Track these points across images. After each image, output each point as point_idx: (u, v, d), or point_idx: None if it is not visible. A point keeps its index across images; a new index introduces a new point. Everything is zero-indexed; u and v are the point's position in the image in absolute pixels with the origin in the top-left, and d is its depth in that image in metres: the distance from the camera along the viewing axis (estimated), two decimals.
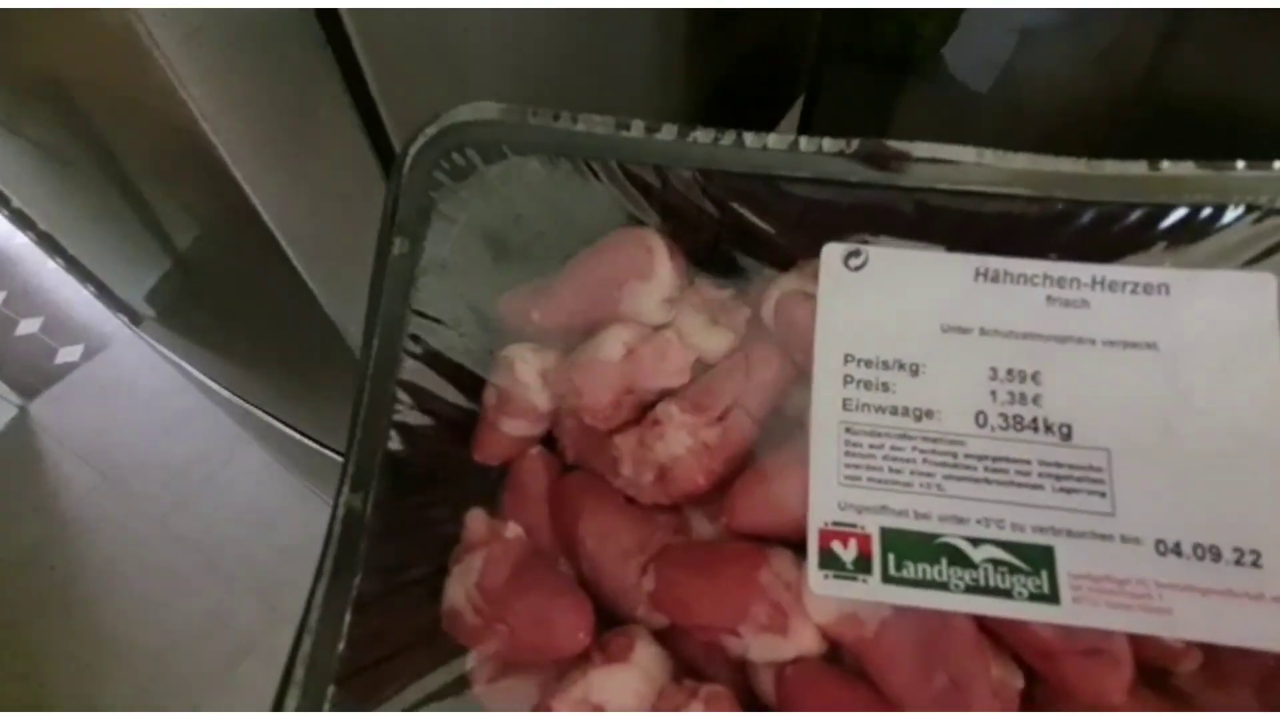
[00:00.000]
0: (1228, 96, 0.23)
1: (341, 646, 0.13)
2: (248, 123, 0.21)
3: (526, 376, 0.16)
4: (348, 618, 0.14)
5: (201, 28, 0.18)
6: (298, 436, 0.54)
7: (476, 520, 0.16)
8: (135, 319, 0.51)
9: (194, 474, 1.16)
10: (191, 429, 1.18)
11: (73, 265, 0.47)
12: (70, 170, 0.33)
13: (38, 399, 1.22)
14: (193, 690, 0.97)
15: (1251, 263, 0.14)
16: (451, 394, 0.16)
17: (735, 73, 0.43)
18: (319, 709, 0.13)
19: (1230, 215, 0.14)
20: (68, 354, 1.26)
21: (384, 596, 0.14)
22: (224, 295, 0.39)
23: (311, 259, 0.26)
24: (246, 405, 0.52)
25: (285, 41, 0.20)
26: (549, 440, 0.17)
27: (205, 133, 0.20)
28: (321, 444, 0.54)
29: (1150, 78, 0.25)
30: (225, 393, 0.53)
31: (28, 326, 1.29)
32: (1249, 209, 0.14)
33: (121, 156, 0.29)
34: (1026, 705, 0.13)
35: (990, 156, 0.15)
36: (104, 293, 0.49)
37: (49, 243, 0.45)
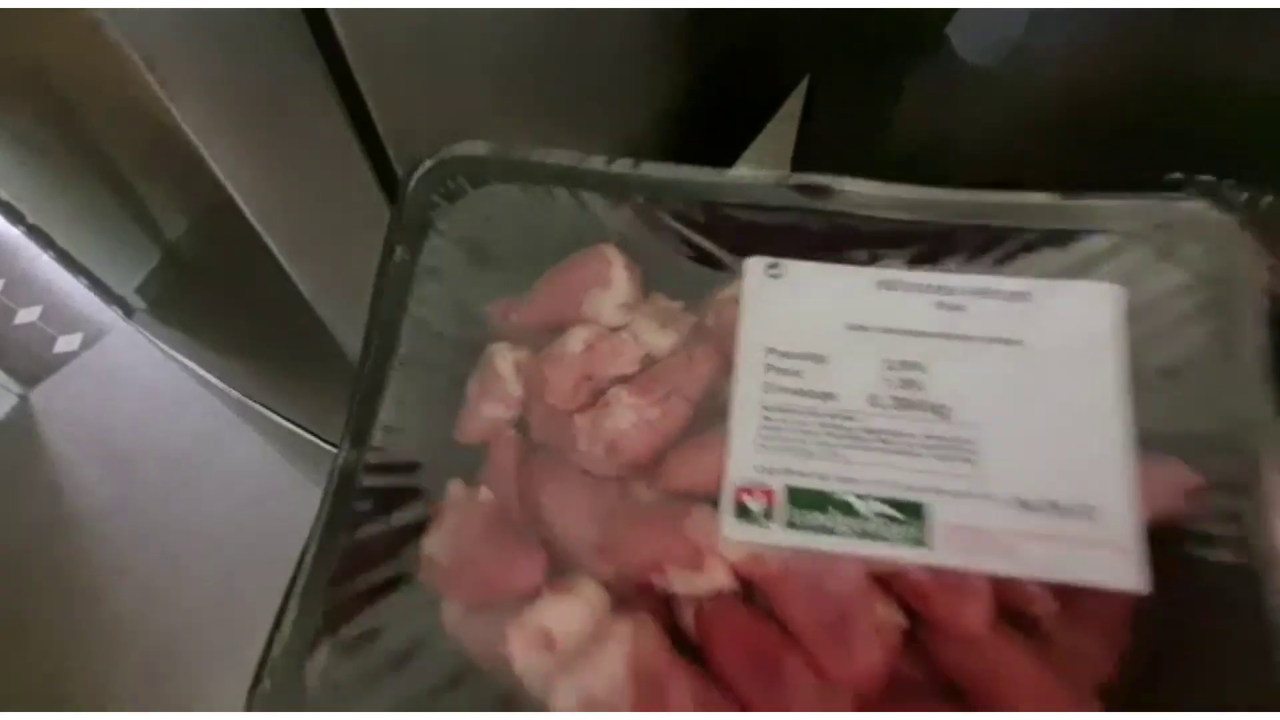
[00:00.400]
0: (1238, 80, 0.22)
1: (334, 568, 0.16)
2: (226, 119, 0.21)
3: (504, 369, 0.19)
4: (338, 557, 0.16)
5: (176, 25, 0.18)
6: (290, 426, 0.55)
7: (456, 487, 0.18)
8: (128, 311, 0.51)
9: (194, 460, 1.15)
10: (191, 416, 1.17)
11: (63, 258, 0.46)
12: (52, 162, 0.33)
13: (38, 387, 1.22)
14: (202, 670, 0.97)
15: (1098, 276, 0.17)
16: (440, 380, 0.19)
17: (727, 62, 0.44)
18: (313, 632, 0.16)
19: (1086, 237, 0.17)
20: (66, 343, 1.25)
21: (372, 542, 0.17)
22: (213, 288, 0.39)
23: (295, 255, 0.27)
24: (239, 396, 0.53)
25: (265, 36, 0.20)
26: (521, 425, 0.20)
27: (182, 129, 0.20)
28: (312, 433, 0.56)
29: (1161, 66, 0.24)
30: (219, 383, 0.54)
31: (26, 315, 1.29)
32: (1102, 232, 0.17)
33: (105, 149, 0.28)
34: (910, 644, 0.15)
35: (895, 189, 0.18)
36: (96, 285, 0.49)
37: (39, 236, 0.44)
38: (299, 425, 0.56)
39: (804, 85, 0.41)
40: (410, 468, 0.18)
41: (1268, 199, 0.16)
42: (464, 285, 0.19)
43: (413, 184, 0.19)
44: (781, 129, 0.47)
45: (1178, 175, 0.17)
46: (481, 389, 0.19)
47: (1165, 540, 0.15)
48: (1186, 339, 0.16)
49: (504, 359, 0.19)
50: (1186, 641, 0.15)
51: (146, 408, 1.23)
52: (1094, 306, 0.17)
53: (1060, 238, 0.17)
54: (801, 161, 0.40)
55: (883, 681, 0.15)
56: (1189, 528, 0.15)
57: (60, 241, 0.44)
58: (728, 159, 0.48)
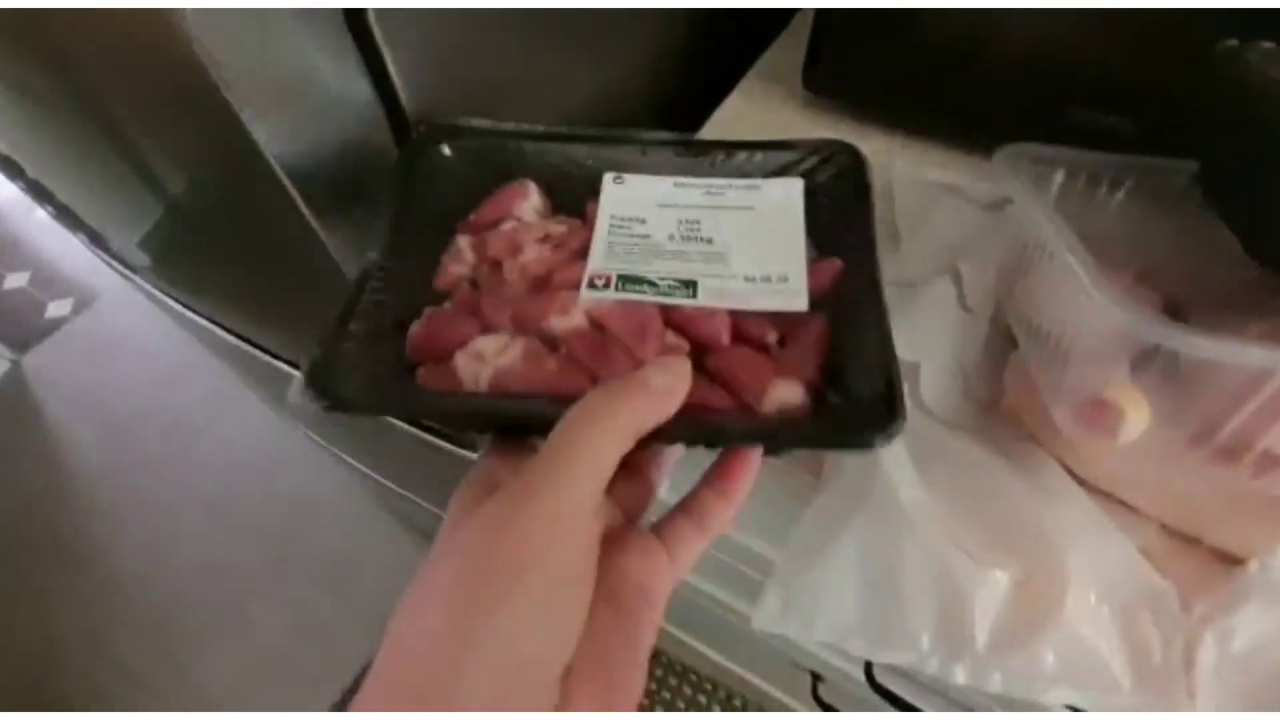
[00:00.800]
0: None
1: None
2: (256, 68, 0.23)
3: (464, 246, 0.31)
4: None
5: None
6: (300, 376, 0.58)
7: (431, 309, 0.30)
8: (130, 267, 0.49)
9: (193, 423, 1.13)
10: (189, 380, 1.15)
11: (63, 213, 0.44)
12: (55, 114, 0.32)
13: (30, 353, 1.19)
14: (202, 632, 0.96)
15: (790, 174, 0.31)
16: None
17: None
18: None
19: (786, 157, 0.32)
20: (58, 308, 1.21)
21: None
22: (220, 240, 0.38)
23: (315, 200, 0.29)
24: (248, 348, 0.52)
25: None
26: (472, 281, 0.32)
27: (213, 78, 0.22)
28: None
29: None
30: (227, 336, 0.52)
31: (15, 280, 1.25)
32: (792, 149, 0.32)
33: (109, 101, 0.28)
34: (697, 369, 0.27)
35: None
36: (96, 241, 0.46)
37: (38, 190, 0.42)
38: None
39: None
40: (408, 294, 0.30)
41: None
42: (443, 200, 0.32)
43: (414, 136, 0.32)
44: (793, 41, 0.55)
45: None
46: (450, 259, 0.31)
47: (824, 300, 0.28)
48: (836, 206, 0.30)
49: (465, 241, 0.32)
50: (845, 347, 0.27)
51: (141, 373, 1.19)
52: (789, 189, 0.31)
53: (771, 148, 0.32)
54: (812, 79, 0.49)
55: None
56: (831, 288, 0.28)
57: (60, 196, 0.42)
58: (741, 69, 0.55)
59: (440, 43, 0.32)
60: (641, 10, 0.45)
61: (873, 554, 0.27)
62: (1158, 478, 0.24)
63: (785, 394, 0.25)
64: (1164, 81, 0.35)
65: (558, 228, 0.32)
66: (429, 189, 0.32)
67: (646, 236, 0.30)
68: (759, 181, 0.31)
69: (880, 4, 0.41)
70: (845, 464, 0.28)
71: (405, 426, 0.55)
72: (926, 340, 0.29)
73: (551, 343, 0.27)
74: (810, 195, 0.30)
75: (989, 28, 0.39)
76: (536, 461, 0.20)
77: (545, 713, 0.19)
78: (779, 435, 0.24)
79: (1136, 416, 0.22)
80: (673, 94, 0.54)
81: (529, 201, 0.32)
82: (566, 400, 0.22)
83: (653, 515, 0.25)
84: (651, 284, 0.28)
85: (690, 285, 0.28)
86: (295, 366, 0.51)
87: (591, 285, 0.28)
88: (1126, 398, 0.22)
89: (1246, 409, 0.21)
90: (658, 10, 0.48)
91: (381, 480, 0.87)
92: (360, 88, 0.30)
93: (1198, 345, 0.20)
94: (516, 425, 0.25)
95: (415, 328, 0.28)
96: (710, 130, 0.50)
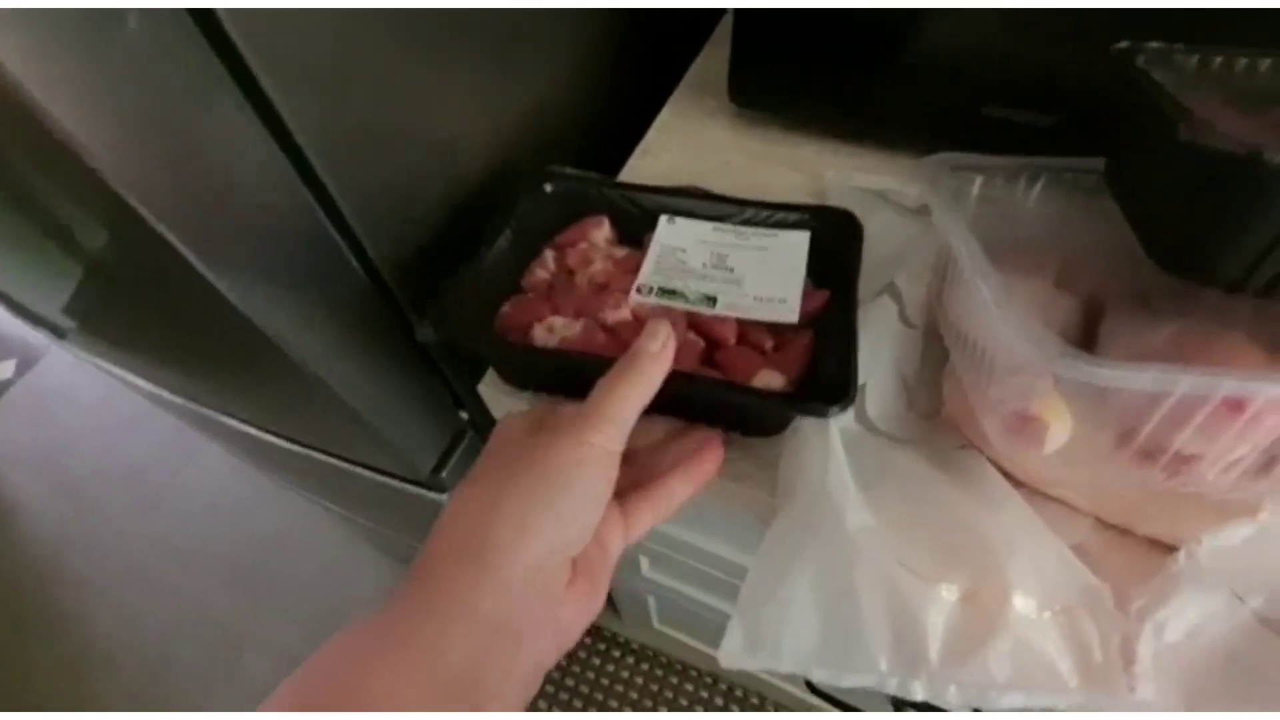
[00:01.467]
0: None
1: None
2: (119, 126, 0.22)
3: (548, 257, 0.41)
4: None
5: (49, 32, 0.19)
6: (251, 430, 0.54)
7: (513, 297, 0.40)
8: (58, 333, 0.47)
9: (154, 476, 1.08)
10: (143, 432, 1.10)
11: None
12: None
13: None
14: (195, 689, 0.93)
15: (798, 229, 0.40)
16: None
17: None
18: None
19: (795, 211, 0.40)
20: (1, 370, 1.16)
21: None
22: (141, 299, 0.38)
23: (209, 256, 0.27)
24: (190, 405, 0.52)
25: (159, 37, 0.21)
26: (551, 284, 0.41)
27: (70, 138, 0.20)
28: (270, 432, 0.54)
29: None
30: (167, 394, 0.53)
31: None
32: (800, 210, 0.40)
33: (9, 164, 0.27)
34: (703, 360, 0.35)
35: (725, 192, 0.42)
36: (19, 310, 0.45)
37: None
38: (259, 427, 0.55)
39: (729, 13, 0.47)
40: (502, 287, 0.40)
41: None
42: (540, 223, 0.42)
43: (524, 176, 0.43)
44: (717, 52, 0.55)
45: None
46: (538, 264, 0.41)
47: (813, 321, 0.35)
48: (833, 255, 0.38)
49: (550, 254, 0.42)
50: (822, 357, 0.34)
51: (95, 428, 1.15)
52: (798, 239, 0.39)
53: (790, 209, 0.40)
54: (737, 89, 0.51)
55: (691, 363, 0.35)
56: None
57: None
58: (667, 85, 0.56)
59: (335, 79, 0.31)
60: (558, 32, 0.46)
61: (827, 583, 0.28)
62: (1087, 479, 0.28)
63: (769, 380, 0.33)
64: (1071, 79, 0.38)
65: (620, 252, 0.41)
66: (532, 214, 0.42)
67: (684, 263, 0.39)
68: (777, 231, 0.40)
69: (796, 3, 0.42)
70: (796, 489, 0.31)
71: (367, 472, 0.58)
72: (871, 359, 0.33)
73: (606, 328, 0.36)
74: (814, 245, 0.39)
75: (905, 32, 0.41)
76: (582, 408, 0.28)
77: (532, 714, 0.27)
78: (758, 401, 0.31)
79: (1060, 427, 0.26)
80: (606, 111, 0.56)
81: (602, 231, 0.42)
82: (609, 362, 0.30)
83: None
84: (683, 295, 0.37)
85: (711, 299, 0.36)
86: (249, 423, 0.55)
87: (638, 291, 0.37)
88: (1050, 410, 0.26)
89: (1154, 418, 0.24)
90: (576, 30, 0.49)
91: (354, 518, 0.88)
92: (254, 143, 0.29)
93: (1093, 374, 0.23)
94: (571, 374, 0.33)
95: (506, 307, 0.38)
96: (644, 149, 0.52)
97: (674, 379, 0.33)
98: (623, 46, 0.57)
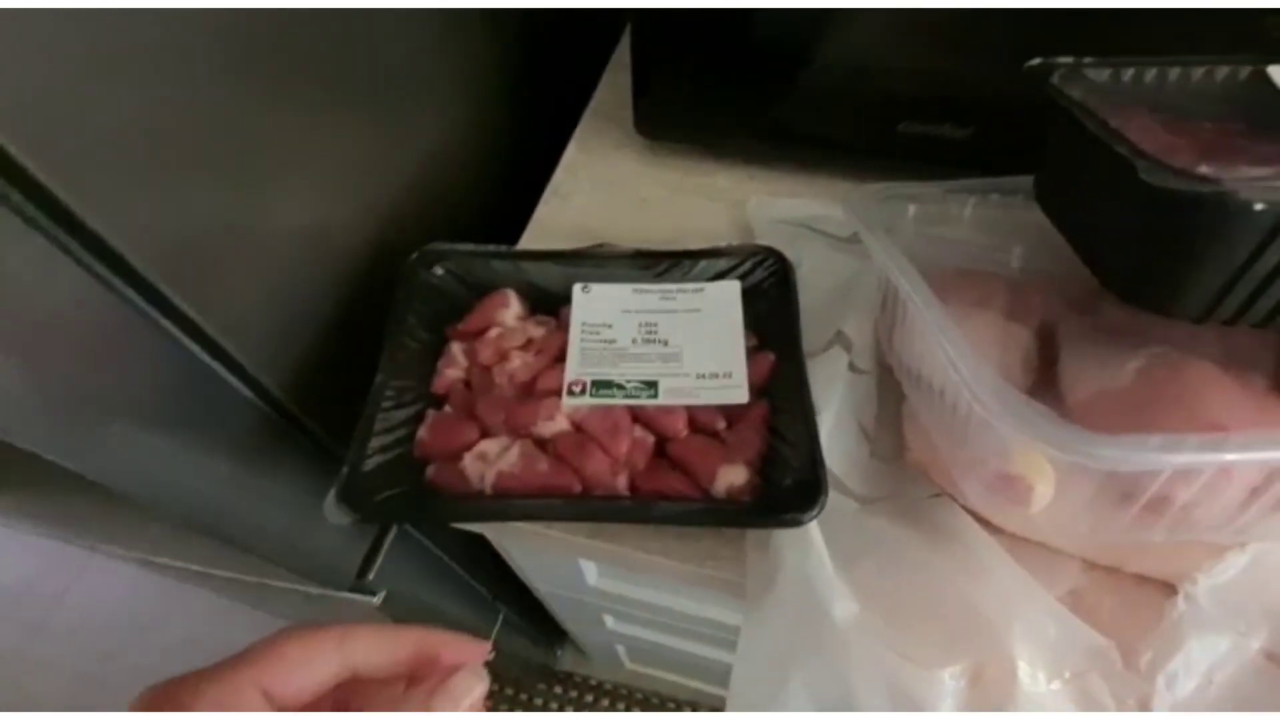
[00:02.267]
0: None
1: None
2: None
3: (457, 352, 0.36)
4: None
5: None
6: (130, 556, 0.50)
7: (432, 412, 0.35)
8: None
9: (41, 594, 0.98)
10: (24, 550, 1.00)
11: None
12: None
13: None
14: None
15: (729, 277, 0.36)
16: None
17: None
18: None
19: (725, 263, 0.37)
20: None
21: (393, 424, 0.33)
22: None
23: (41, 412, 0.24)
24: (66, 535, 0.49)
25: None
26: (465, 382, 0.36)
27: None
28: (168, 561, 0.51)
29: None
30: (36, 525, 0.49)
31: None
32: (726, 255, 0.37)
33: None
34: (656, 454, 0.32)
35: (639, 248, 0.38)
36: None
37: None
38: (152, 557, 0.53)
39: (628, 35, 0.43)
40: (411, 400, 0.35)
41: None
42: (436, 314, 0.37)
43: (409, 264, 0.37)
44: (618, 78, 0.50)
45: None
46: (446, 364, 0.36)
47: (764, 389, 0.32)
48: (768, 301, 0.35)
49: (457, 347, 0.37)
50: (780, 430, 0.32)
51: None
52: (728, 291, 0.36)
53: (714, 255, 0.37)
54: (641, 119, 0.47)
55: (644, 461, 0.31)
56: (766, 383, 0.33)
57: None
58: (574, 111, 0.52)
59: (156, 176, 0.26)
60: (437, 78, 0.42)
61: (824, 692, 0.27)
62: (1072, 530, 0.28)
63: (732, 476, 0.30)
64: (980, 92, 0.37)
65: (537, 330, 0.37)
66: (424, 306, 0.37)
67: (613, 341, 0.35)
68: (704, 285, 0.36)
69: (699, 3, 0.38)
70: (773, 577, 0.29)
71: (286, 584, 0.52)
72: (827, 413, 0.31)
73: (542, 443, 0.32)
74: (746, 293, 0.35)
75: (809, 52, 0.39)
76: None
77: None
78: (728, 515, 0.28)
79: (1045, 485, 0.25)
80: (506, 156, 0.52)
81: (510, 309, 0.37)
82: (559, 496, 0.27)
83: None
84: (620, 387, 0.33)
85: (652, 385, 0.33)
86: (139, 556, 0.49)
87: (570, 392, 0.33)
88: (1032, 467, 0.24)
89: (1156, 483, 0.22)
90: (459, 73, 0.45)
91: (280, 617, 0.80)
92: (68, 273, 0.24)
93: (1093, 456, 0.21)
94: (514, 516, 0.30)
95: (422, 433, 0.33)
96: (553, 191, 0.48)
97: (631, 504, 0.30)
98: (516, 82, 0.51)
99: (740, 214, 0.44)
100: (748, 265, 0.36)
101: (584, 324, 0.35)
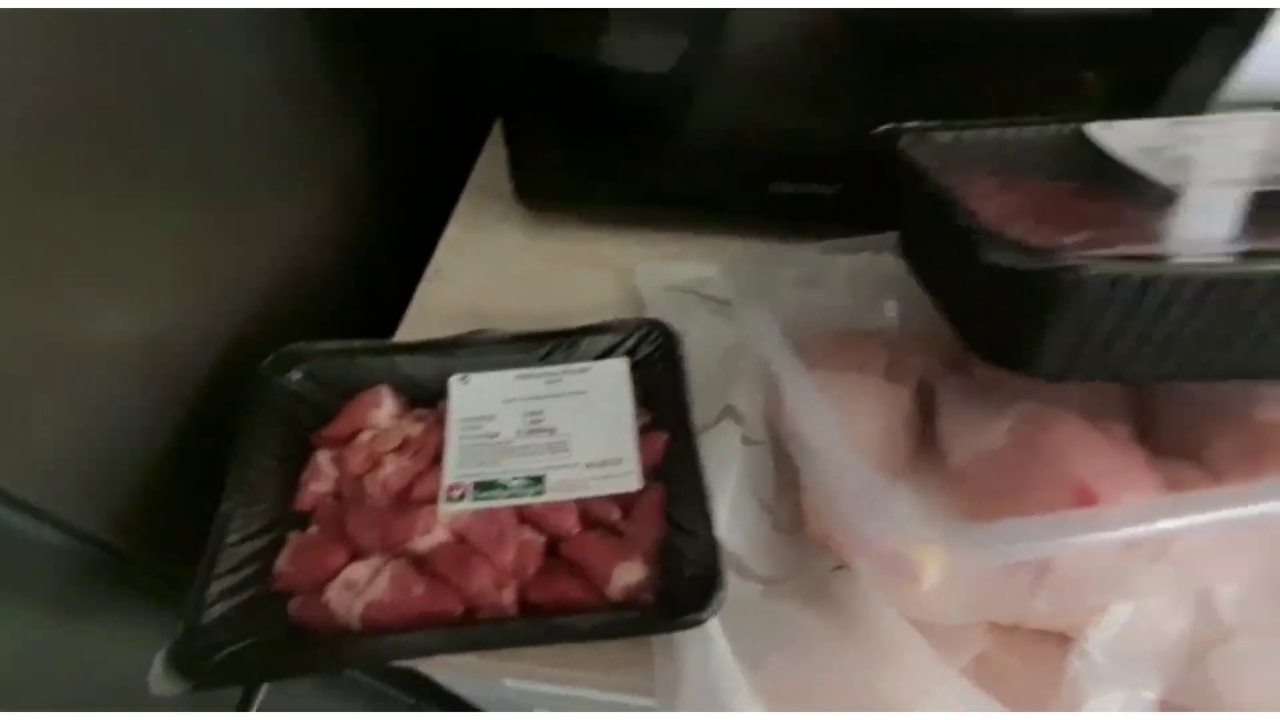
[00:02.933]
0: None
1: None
2: None
3: (324, 463, 0.33)
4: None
5: None
6: None
7: (295, 535, 0.31)
8: None
9: None
10: None
11: None
12: None
13: None
14: None
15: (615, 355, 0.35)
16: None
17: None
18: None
19: (610, 340, 0.35)
20: None
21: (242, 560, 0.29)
22: None
23: None
24: None
25: None
26: (336, 494, 0.33)
27: None
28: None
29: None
30: None
31: None
32: (613, 331, 0.36)
33: None
34: (548, 555, 0.29)
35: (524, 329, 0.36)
36: None
37: None
38: None
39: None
40: (267, 527, 0.31)
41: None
42: (297, 424, 0.34)
43: (261, 371, 0.34)
44: (499, 151, 0.48)
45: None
46: (311, 477, 0.33)
47: (658, 470, 0.31)
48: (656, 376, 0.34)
49: (325, 456, 0.33)
50: (675, 516, 0.30)
51: None
52: (615, 369, 0.34)
53: (598, 331, 0.35)
54: (520, 190, 0.46)
55: (534, 566, 0.29)
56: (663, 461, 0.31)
57: None
58: (457, 188, 0.50)
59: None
60: (291, 171, 0.40)
61: None
62: (966, 605, 0.27)
63: (628, 575, 0.28)
64: (841, 151, 0.37)
65: (414, 428, 0.34)
66: (281, 416, 0.33)
67: (495, 435, 0.32)
68: (590, 364, 0.35)
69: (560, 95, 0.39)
70: (678, 687, 0.27)
71: None
72: (724, 493, 0.31)
73: (420, 561, 0.29)
74: (634, 369, 0.34)
75: (679, 117, 0.40)
76: None
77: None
78: (622, 625, 0.26)
79: (936, 565, 0.25)
80: (386, 234, 0.50)
81: (383, 409, 0.34)
82: (438, 624, 0.25)
83: None
84: (503, 486, 0.30)
85: (539, 481, 0.30)
86: None
87: (449, 498, 0.30)
88: (922, 549, 0.25)
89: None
90: (319, 163, 0.43)
91: None
92: None
93: (982, 557, 0.22)
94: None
95: (282, 563, 0.29)
96: (434, 271, 0.46)
97: (519, 625, 0.27)
98: (387, 165, 0.49)
99: (628, 282, 0.43)
100: (633, 340, 0.35)
101: (463, 419, 0.33)
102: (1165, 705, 0.25)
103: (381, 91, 0.48)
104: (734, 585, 0.29)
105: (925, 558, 0.24)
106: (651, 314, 0.38)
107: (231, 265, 0.36)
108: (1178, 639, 0.25)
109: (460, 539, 0.29)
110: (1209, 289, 0.21)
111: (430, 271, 0.46)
